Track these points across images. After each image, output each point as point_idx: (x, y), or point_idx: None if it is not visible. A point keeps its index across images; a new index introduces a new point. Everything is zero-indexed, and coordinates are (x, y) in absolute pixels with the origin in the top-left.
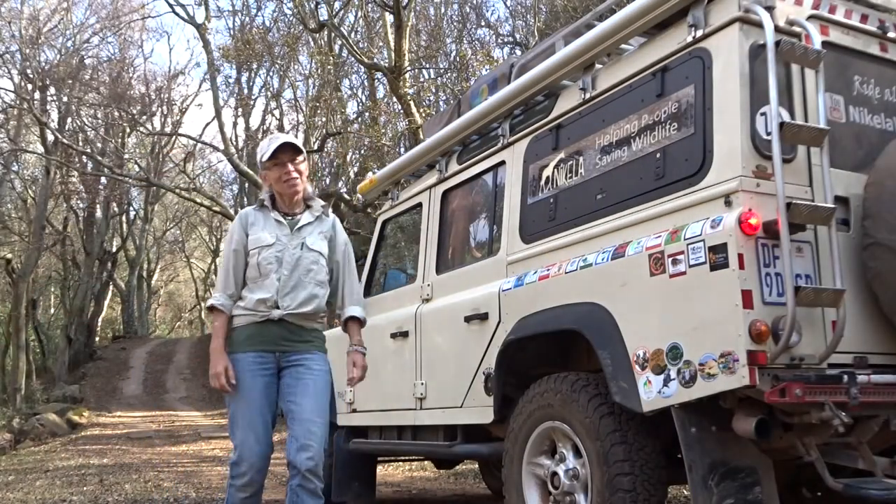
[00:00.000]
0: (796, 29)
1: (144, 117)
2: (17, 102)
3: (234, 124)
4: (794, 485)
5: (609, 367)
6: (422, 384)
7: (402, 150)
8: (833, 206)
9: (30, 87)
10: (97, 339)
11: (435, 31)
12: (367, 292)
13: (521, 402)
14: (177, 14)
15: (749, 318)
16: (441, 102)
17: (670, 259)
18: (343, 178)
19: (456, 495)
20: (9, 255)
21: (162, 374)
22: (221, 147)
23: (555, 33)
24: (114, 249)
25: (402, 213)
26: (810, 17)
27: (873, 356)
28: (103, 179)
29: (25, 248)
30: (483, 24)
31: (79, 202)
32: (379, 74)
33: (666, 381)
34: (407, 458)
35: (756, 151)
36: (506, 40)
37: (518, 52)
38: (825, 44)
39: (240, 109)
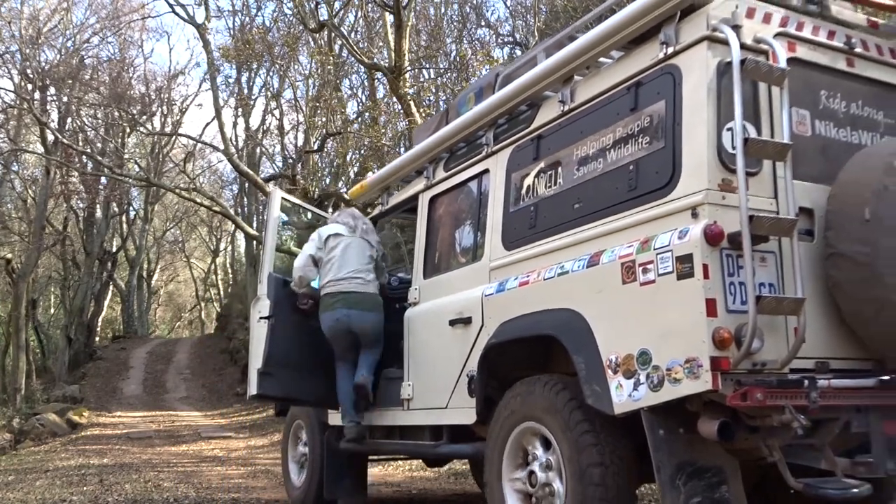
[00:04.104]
0: (763, 46)
1: (144, 117)
2: (17, 102)
3: (234, 124)
4: (764, 484)
5: (583, 371)
6: (409, 385)
7: (402, 150)
8: (795, 217)
9: (30, 87)
10: (97, 339)
11: (435, 31)
12: None
13: (501, 402)
14: (177, 14)
15: (712, 326)
16: (441, 102)
17: (641, 268)
18: (343, 178)
19: (456, 495)
20: (9, 255)
21: (162, 374)
22: (221, 147)
23: (537, 45)
24: (114, 249)
25: (393, 216)
26: (777, 35)
27: (835, 361)
28: (103, 179)
29: (25, 248)
30: (483, 24)
31: (79, 202)
32: (379, 74)
33: (636, 385)
34: (404, 458)
35: (722, 165)
36: (506, 40)
37: (518, 52)
38: (793, 60)
39: (240, 109)
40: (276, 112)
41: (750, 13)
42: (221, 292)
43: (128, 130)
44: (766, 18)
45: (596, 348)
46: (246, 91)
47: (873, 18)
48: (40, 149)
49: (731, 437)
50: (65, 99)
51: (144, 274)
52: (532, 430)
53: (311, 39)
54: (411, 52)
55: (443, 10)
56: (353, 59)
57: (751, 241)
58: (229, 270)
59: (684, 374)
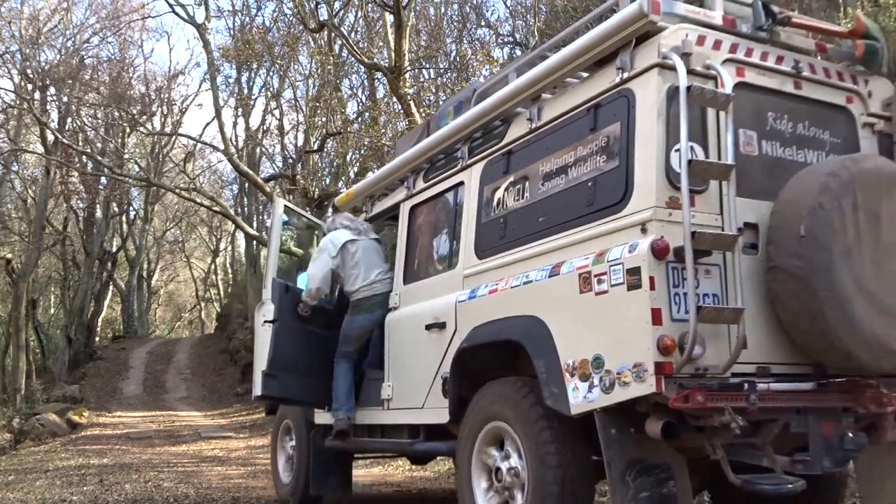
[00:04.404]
0: (711, 72)
1: (144, 117)
2: (17, 102)
3: (234, 124)
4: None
5: (543, 374)
6: (389, 386)
7: None
8: (735, 233)
9: (30, 87)
10: (97, 339)
11: (435, 31)
12: None
13: (472, 403)
14: (177, 14)
15: (657, 334)
16: (441, 102)
17: (596, 279)
18: (343, 178)
19: (456, 494)
20: (9, 255)
21: (162, 374)
22: (221, 147)
23: (511, 64)
24: (114, 249)
25: (377, 223)
26: (726, 61)
27: (776, 366)
28: (103, 179)
29: (25, 248)
30: (483, 24)
31: (79, 202)
32: (379, 74)
33: (590, 388)
34: (393, 455)
35: (670, 184)
36: (506, 40)
37: (518, 52)
38: (741, 84)
39: (240, 109)
40: (276, 112)
41: (700, 41)
42: (221, 292)
43: (128, 130)
44: (716, 45)
45: (556, 353)
46: (246, 91)
47: (822, 43)
48: (40, 149)
49: (674, 435)
50: (65, 99)
51: (144, 274)
52: (498, 429)
53: (311, 39)
54: (411, 52)
55: (443, 10)
56: (353, 59)
57: (693, 256)
58: (229, 270)
59: (632, 378)
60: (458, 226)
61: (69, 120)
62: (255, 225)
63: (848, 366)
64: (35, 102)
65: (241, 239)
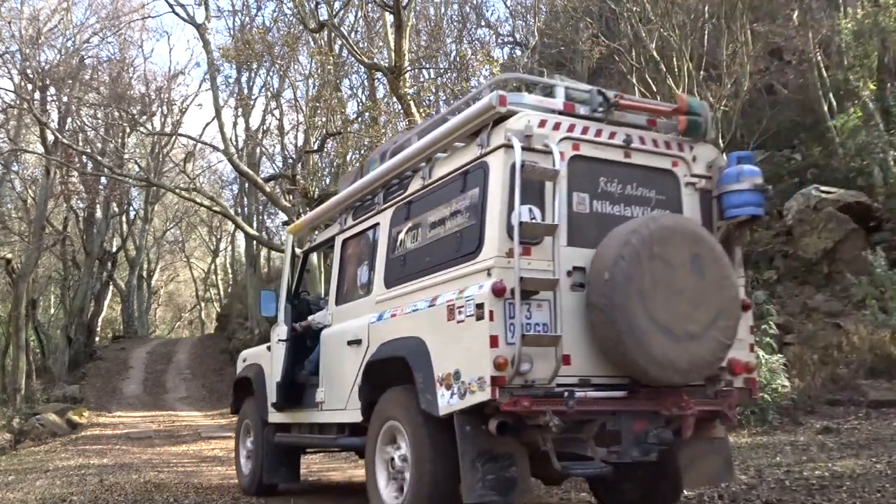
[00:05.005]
0: (548, 150)
1: (144, 117)
2: (17, 102)
3: (234, 124)
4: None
5: (421, 383)
6: (322, 391)
7: None
8: (556, 278)
9: (30, 87)
10: (97, 339)
11: (435, 31)
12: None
13: (377, 406)
14: (177, 14)
15: (494, 354)
16: (441, 102)
17: (458, 310)
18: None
19: None
20: (9, 255)
21: (162, 374)
22: (221, 147)
23: (412, 129)
24: (114, 249)
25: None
26: (564, 139)
27: (597, 378)
28: (103, 179)
29: (25, 248)
30: (483, 24)
31: (79, 202)
32: (379, 74)
33: (452, 395)
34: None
35: (509, 238)
36: (506, 40)
37: (518, 52)
38: (577, 157)
39: (240, 109)
40: (276, 112)
41: (542, 123)
42: (221, 292)
43: (128, 130)
44: (556, 126)
45: (431, 367)
46: (246, 91)
47: (652, 119)
48: (40, 149)
49: (507, 432)
50: (65, 99)
51: (144, 274)
52: (394, 427)
53: (311, 39)
54: (411, 52)
55: (443, 10)
56: (353, 59)
57: (521, 295)
58: (229, 270)
59: (477, 388)
60: (374, 259)
61: (69, 120)
62: (255, 225)
63: (646, 379)
64: (35, 102)
65: (241, 239)
